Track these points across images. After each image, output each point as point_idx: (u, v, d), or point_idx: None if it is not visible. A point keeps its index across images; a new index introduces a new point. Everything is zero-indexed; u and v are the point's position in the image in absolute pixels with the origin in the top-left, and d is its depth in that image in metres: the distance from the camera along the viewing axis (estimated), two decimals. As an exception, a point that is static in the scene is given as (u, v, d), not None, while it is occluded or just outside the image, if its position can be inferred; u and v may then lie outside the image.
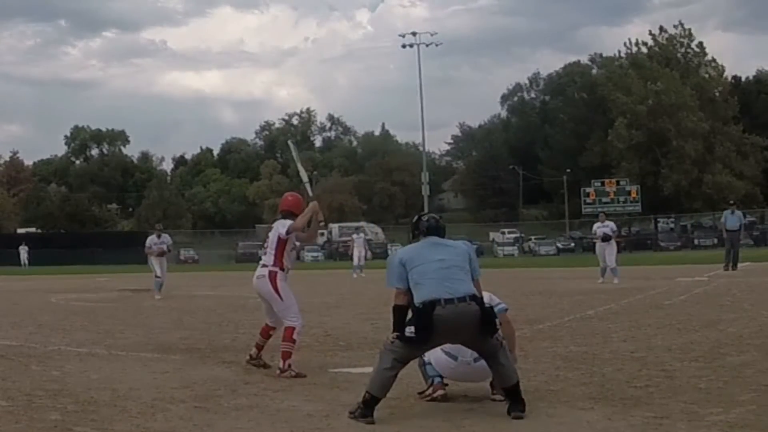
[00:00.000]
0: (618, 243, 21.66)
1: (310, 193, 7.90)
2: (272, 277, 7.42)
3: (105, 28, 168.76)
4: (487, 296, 5.93)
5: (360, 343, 9.41)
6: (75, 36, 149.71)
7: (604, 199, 63.24)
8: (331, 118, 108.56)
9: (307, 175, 8.40)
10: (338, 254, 61.37)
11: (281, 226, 7.49)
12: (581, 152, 71.59)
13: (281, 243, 7.48)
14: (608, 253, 19.76)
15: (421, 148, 70.03)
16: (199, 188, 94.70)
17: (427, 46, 63.20)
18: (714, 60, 71.35)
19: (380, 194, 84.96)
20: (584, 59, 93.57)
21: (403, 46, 62.90)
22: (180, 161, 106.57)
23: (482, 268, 6.04)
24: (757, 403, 5.55)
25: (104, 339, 10.18)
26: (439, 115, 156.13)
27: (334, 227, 67.05)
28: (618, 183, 65.27)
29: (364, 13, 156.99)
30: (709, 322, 10.33)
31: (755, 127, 68.80)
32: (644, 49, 72.53)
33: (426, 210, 52.61)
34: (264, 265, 7.52)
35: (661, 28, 72.46)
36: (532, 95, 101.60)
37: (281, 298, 7.40)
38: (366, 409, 5.34)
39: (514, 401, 5.43)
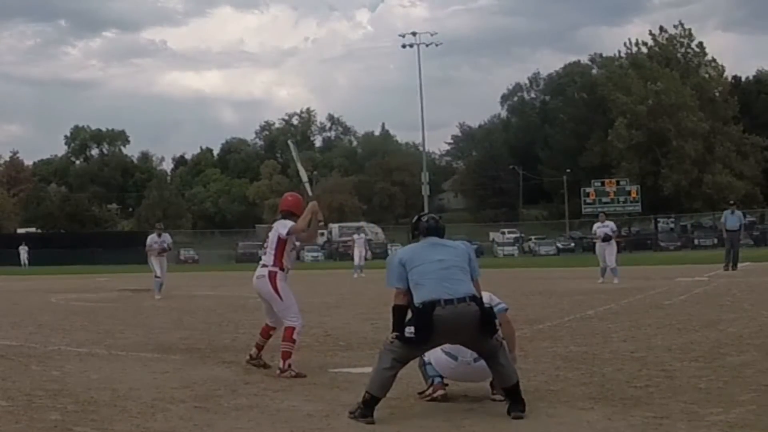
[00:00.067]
0: (618, 243, 21.67)
1: (310, 193, 7.90)
2: (272, 277, 7.42)
3: (105, 28, 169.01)
4: (487, 296, 5.93)
5: (360, 343, 9.41)
6: (75, 36, 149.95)
7: (604, 199, 63.24)
8: (331, 118, 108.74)
9: (306, 175, 8.39)
10: (338, 254, 61.40)
11: (281, 227, 7.49)
12: (581, 152, 71.60)
13: (281, 243, 7.48)
14: (608, 253, 19.76)
15: (421, 148, 70.07)
16: (199, 188, 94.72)
17: (427, 46, 63.26)
18: (714, 60, 71.45)
19: (380, 194, 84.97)
20: (584, 59, 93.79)
21: (403, 46, 62.93)
22: (180, 161, 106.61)
23: (482, 268, 6.04)
24: (757, 403, 5.55)
25: (104, 339, 10.18)
26: (439, 115, 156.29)
27: (334, 227, 67.05)
28: (618, 183, 65.27)
29: (364, 13, 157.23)
30: (709, 322, 10.32)
31: (755, 127, 68.80)
32: (644, 49, 72.55)
33: (426, 210, 52.58)
34: (264, 265, 7.52)
35: (661, 28, 72.56)
36: (532, 95, 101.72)
37: (281, 298, 7.40)
38: (366, 409, 5.35)
39: (514, 401, 5.44)
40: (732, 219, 23.67)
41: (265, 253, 7.64)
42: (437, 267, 5.55)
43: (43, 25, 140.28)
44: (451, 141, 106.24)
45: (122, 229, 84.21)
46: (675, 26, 72.14)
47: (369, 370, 5.74)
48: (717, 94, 69.17)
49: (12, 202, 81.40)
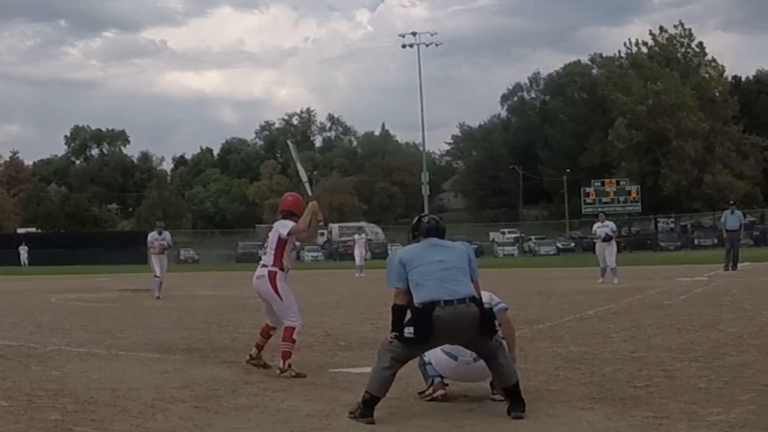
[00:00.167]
0: (618, 243, 21.67)
1: (310, 193, 7.90)
2: (272, 277, 7.42)
3: (105, 28, 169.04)
4: (487, 296, 5.94)
5: (360, 343, 9.40)
6: (75, 36, 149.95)
7: (604, 199, 63.23)
8: (331, 118, 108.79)
9: (306, 175, 8.40)
10: (338, 254, 61.42)
11: (282, 227, 7.49)
12: (581, 152, 71.60)
13: (281, 243, 7.48)
14: (608, 253, 19.76)
15: (421, 148, 70.05)
16: (199, 188, 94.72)
17: (427, 46, 63.19)
18: (714, 60, 71.43)
19: (380, 194, 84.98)
20: (584, 59, 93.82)
21: (403, 46, 62.88)
22: (180, 161, 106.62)
23: (482, 268, 6.05)
24: (757, 403, 5.55)
25: (104, 339, 10.18)
26: (439, 115, 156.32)
27: (334, 227, 67.07)
28: (618, 183, 65.26)
29: (364, 13, 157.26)
30: (709, 322, 10.32)
31: (755, 127, 68.80)
32: (644, 49, 72.53)
33: (426, 210, 52.68)
34: (264, 265, 7.52)
35: (661, 28, 72.53)
36: (532, 95, 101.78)
37: (281, 298, 7.40)
38: (366, 408, 5.35)
39: (514, 401, 5.44)
40: (732, 219, 23.67)
41: (265, 253, 7.64)
42: (437, 268, 5.55)
43: (43, 25, 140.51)
44: (451, 141, 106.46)
45: (122, 229, 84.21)
46: (675, 26, 72.25)
47: (369, 370, 5.74)
48: (717, 94, 69.16)
49: (12, 202, 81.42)
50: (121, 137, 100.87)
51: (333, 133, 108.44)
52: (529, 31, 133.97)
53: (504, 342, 5.79)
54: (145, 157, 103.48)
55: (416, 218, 6.09)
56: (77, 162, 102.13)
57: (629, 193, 64.72)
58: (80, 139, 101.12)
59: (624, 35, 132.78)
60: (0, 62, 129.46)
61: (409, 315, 5.53)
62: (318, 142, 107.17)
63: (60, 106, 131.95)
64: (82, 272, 38.26)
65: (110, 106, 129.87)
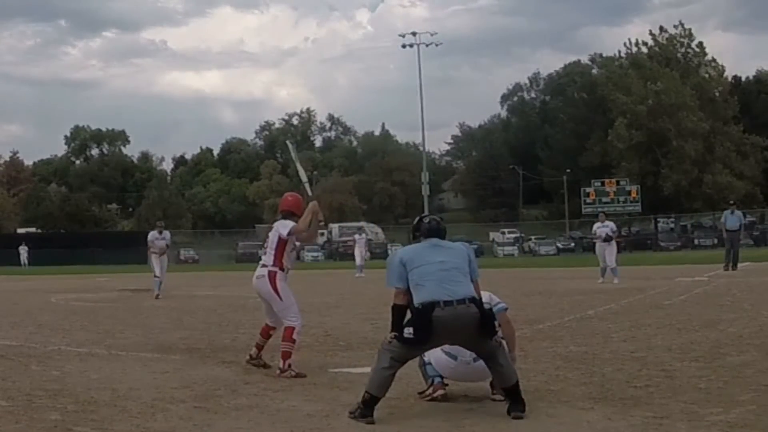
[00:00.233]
0: (618, 243, 21.67)
1: (310, 193, 7.90)
2: (272, 277, 7.41)
3: (105, 28, 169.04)
4: (486, 296, 5.94)
5: (360, 343, 9.40)
6: (75, 36, 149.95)
7: (604, 199, 63.24)
8: (331, 118, 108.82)
9: (306, 175, 8.40)
10: (338, 254, 61.42)
11: (282, 227, 7.49)
12: (581, 152, 71.60)
13: (281, 243, 7.47)
14: (608, 253, 19.76)
15: (421, 148, 70.05)
16: (199, 188, 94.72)
17: (427, 46, 63.20)
18: (714, 60, 71.44)
19: (380, 194, 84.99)
20: (584, 59, 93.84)
21: (403, 46, 62.89)
22: (180, 161, 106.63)
23: (482, 268, 6.05)
24: (757, 403, 5.55)
25: (104, 339, 10.17)
26: (439, 115, 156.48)
27: (334, 227, 67.07)
28: (618, 183, 65.27)
29: (364, 13, 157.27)
30: (709, 322, 10.32)
31: (755, 127, 68.80)
32: (644, 49, 72.54)
33: (426, 210, 52.70)
34: (264, 265, 7.52)
35: (661, 28, 72.53)
36: (532, 95, 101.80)
37: (281, 298, 7.40)
38: (366, 408, 5.35)
39: (514, 401, 5.44)
40: (732, 219, 23.67)
41: (265, 253, 7.64)
42: (438, 268, 5.55)
43: (43, 25, 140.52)
44: (451, 141, 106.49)
45: (122, 229, 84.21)
46: (675, 26, 72.27)
47: (369, 370, 5.74)
48: (717, 94, 69.17)
49: (12, 202, 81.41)
50: (121, 137, 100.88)
51: (333, 133, 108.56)
52: (529, 31, 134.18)
53: (504, 342, 5.79)
54: (145, 157, 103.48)
55: (417, 219, 6.09)
56: (77, 162, 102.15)
57: (629, 193, 64.73)
58: (80, 139, 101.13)
59: (624, 35, 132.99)
60: (0, 62, 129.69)
61: (409, 315, 5.53)
62: (318, 142, 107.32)
63: (60, 106, 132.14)
64: (82, 272, 38.26)
65: (110, 106, 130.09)
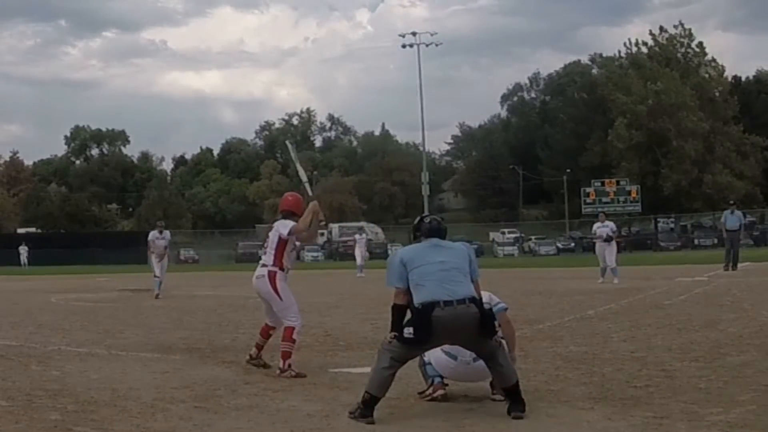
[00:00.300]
0: (618, 243, 21.67)
1: (310, 193, 7.90)
2: (272, 277, 7.41)
3: (105, 28, 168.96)
4: (486, 296, 5.94)
5: (360, 343, 9.40)
6: (75, 36, 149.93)
7: (604, 199, 63.24)
8: (331, 118, 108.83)
9: (306, 175, 8.40)
10: (338, 254, 61.41)
11: (282, 227, 7.49)
12: (581, 152, 71.60)
13: (282, 243, 7.47)
14: (608, 253, 19.76)
15: (421, 148, 70.05)
16: (199, 188, 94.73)
17: (427, 46, 63.19)
18: (714, 60, 71.43)
19: (380, 194, 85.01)
20: (584, 59, 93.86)
21: (403, 46, 62.89)
22: (180, 161, 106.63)
23: (482, 268, 6.05)
24: (757, 403, 5.55)
25: (104, 339, 10.18)
26: (439, 115, 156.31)
27: (334, 227, 67.06)
28: (618, 183, 65.27)
29: (364, 13, 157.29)
30: (709, 322, 10.32)
31: (755, 127, 68.79)
32: (644, 49, 72.54)
33: (426, 210, 52.69)
34: (264, 265, 7.52)
35: (661, 28, 72.52)
36: (532, 95, 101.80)
37: (280, 298, 7.40)
38: (366, 409, 5.35)
39: (514, 401, 5.44)
40: (732, 219, 23.67)
41: (265, 253, 7.64)
42: (438, 268, 5.55)
43: (43, 25, 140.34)
44: (451, 141, 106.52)
45: (122, 229, 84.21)
46: (675, 26, 72.26)
47: (369, 370, 5.74)
48: (717, 94, 69.16)
49: (12, 202, 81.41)
50: (121, 137, 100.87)
51: (333, 133, 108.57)
52: (529, 31, 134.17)
53: (504, 342, 5.79)
54: (145, 157, 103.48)
55: (418, 218, 6.09)
56: (77, 162, 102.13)
57: (629, 193, 64.73)
58: (80, 139, 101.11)
59: (624, 35, 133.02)
60: (0, 62, 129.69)
61: (409, 315, 5.53)
62: (318, 142, 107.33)
63: (60, 106, 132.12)
64: (82, 272, 38.26)
65: (110, 106, 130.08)
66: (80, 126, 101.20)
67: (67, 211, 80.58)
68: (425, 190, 61.53)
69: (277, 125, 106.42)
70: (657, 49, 71.41)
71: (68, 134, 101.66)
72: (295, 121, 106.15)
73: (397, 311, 5.58)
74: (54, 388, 6.62)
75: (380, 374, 5.45)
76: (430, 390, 5.98)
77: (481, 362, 5.65)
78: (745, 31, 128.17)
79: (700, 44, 71.59)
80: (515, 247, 65.84)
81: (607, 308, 12.83)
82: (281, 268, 7.46)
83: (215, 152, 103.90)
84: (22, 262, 54.56)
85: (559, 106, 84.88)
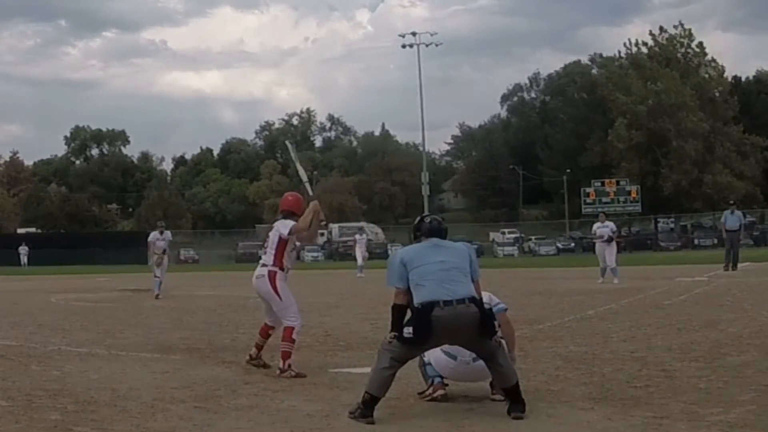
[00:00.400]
0: (618, 243, 21.66)
1: (310, 193, 7.90)
2: (271, 277, 7.41)
3: (105, 28, 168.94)
4: (486, 296, 5.94)
5: (360, 343, 9.40)
6: (75, 36, 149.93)
7: (604, 199, 63.24)
8: (331, 118, 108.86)
9: (306, 175, 8.40)
10: (338, 254, 61.41)
11: (282, 227, 7.49)
12: (581, 152, 71.61)
13: (282, 243, 7.47)
14: (608, 253, 19.76)
15: (421, 148, 70.06)
16: (199, 188, 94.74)
17: (427, 46, 63.20)
18: (714, 60, 71.41)
19: (380, 194, 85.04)
20: (584, 59, 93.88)
21: (403, 46, 62.89)
22: (180, 161, 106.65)
23: (482, 268, 6.04)
24: (757, 403, 5.55)
25: (104, 339, 10.17)
26: (439, 115, 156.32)
27: (335, 227, 67.06)
28: (618, 183, 65.26)
29: (364, 13, 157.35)
30: (709, 322, 10.32)
31: (755, 127, 68.79)
32: (644, 49, 72.51)
33: (426, 210, 52.69)
34: (264, 265, 7.52)
35: (661, 28, 72.48)
36: (532, 95, 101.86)
37: (280, 298, 7.39)
38: (366, 409, 5.35)
39: (514, 401, 5.44)
40: (732, 219, 23.67)
41: (265, 253, 7.64)
42: (438, 268, 5.55)
43: (43, 25, 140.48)
44: (451, 141, 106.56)
45: (122, 229, 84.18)
46: (675, 26, 72.20)
47: (369, 370, 5.74)
48: (717, 94, 69.15)
49: (12, 202, 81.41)
50: (121, 137, 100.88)
51: (333, 133, 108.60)
52: (529, 31, 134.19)
53: (504, 342, 5.79)
54: (145, 157, 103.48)
55: (418, 218, 6.09)
56: (77, 162, 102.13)
57: (629, 193, 64.73)
58: (80, 139, 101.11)
59: (624, 35, 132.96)
60: (0, 62, 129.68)
61: (409, 315, 5.53)
62: (318, 142, 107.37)
63: (60, 106, 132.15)
64: (82, 272, 38.26)
65: (110, 106, 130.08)
66: (80, 126, 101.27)
67: (67, 212, 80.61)
68: (425, 190, 61.53)
69: (277, 125, 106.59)
70: (657, 49, 71.38)
71: (68, 134, 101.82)
72: (295, 121, 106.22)
73: (397, 311, 5.58)
74: (54, 388, 6.61)
75: (380, 374, 5.44)
76: (430, 390, 5.98)
77: (480, 362, 5.65)
78: (745, 31, 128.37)
79: (700, 44, 71.60)
80: (515, 247, 65.83)
81: (607, 308, 12.83)
82: (281, 268, 7.46)
83: (215, 152, 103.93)
84: (22, 262, 54.55)
85: (559, 106, 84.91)
